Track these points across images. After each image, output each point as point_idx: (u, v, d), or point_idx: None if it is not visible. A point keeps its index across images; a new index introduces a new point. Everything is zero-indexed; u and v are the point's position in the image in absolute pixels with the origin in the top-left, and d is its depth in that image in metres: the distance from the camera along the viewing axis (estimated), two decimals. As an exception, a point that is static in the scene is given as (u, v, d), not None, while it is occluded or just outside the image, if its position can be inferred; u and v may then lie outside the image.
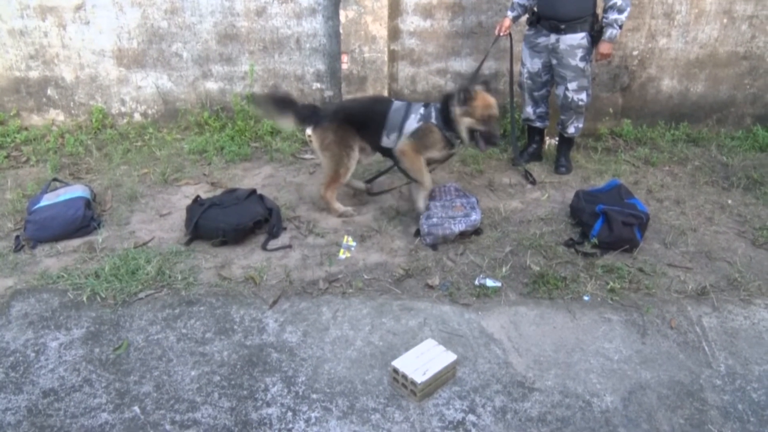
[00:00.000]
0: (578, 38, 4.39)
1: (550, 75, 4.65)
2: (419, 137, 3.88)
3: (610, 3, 4.26)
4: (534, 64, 4.61)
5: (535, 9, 4.48)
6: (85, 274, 3.47)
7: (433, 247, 3.74)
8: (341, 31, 5.12)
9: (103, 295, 3.30)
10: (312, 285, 3.43)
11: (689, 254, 3.82)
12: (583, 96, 4.57)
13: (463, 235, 3.78)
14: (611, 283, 3.44)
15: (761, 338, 3.16)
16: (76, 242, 3.84)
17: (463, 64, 5.37)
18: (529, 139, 5.08)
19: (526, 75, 4.70)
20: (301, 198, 4.37)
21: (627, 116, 5.49)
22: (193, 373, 2.83)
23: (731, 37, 5.35)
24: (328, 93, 5.51)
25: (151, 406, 2.65)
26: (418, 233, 3.84)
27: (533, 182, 4.63)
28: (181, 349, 2.97)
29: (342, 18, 5.08)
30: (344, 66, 5.22)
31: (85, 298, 3.29)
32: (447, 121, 3.86)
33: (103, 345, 2.99)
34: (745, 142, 5.42)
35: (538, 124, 4.92)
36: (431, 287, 3.39)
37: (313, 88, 5.52)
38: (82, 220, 3.88)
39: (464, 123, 3.82)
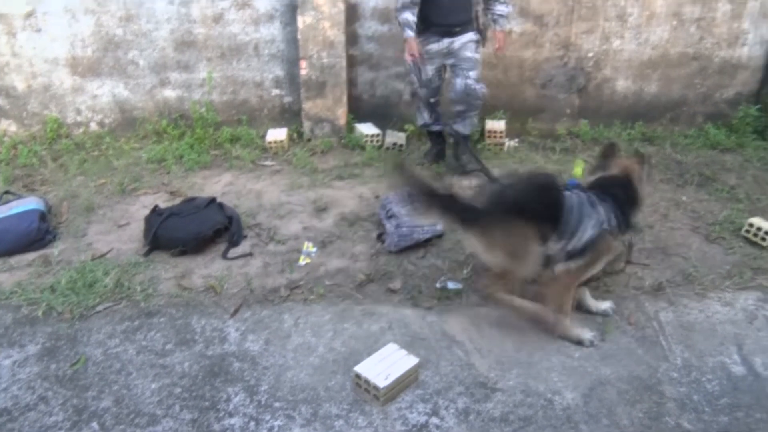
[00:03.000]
0: (471, 35, 4.55)
1: (441, 79, 4.75)
2: (588, 254, 2.93)
3: None
4: (427, 71, 4.63)
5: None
6: (41, 289, 3.40)
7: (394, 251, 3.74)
8: (299, 36, 5.12)
9: (60, 310, 3.24)
10: (273, 292, 3.42)
11: (646, 251, 3.90)
12: (482, 86, 4.64)
13: (425, 240, 3.80)
14: (571, 282, 3.49)
15: (715, 331, 3.24)
16: (30, 256, 3.76)
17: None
18: (432, 143, 5.09)
19: (427, 78, 4.68)
20: (262, 205, 4.34)
21: (584, 116, 5.58)
22: (153, 385, 2.79)
23: (681, 38, 5.48)
24: (288, 99, 5.49)
25: (110, 422, 2.60)
26: (379, 237, 3.85)
27: (491, 178, 4.72)
28: (141, 361, 2.93)
29: (300, 23, 5.07)
30: (303, 72, 5.21)
31: (40, 313, 3.22)
32: (627, 213, 3.01)
33: (60, 361, 2.93)
34: (697, 140, 5.54)
35: (436, 128, 4.96)
36: (393, 291, 3.40)
37: (272, 94, 5.49)
38: (37, 233, 3.80)
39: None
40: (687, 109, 5.67)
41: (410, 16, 4.39)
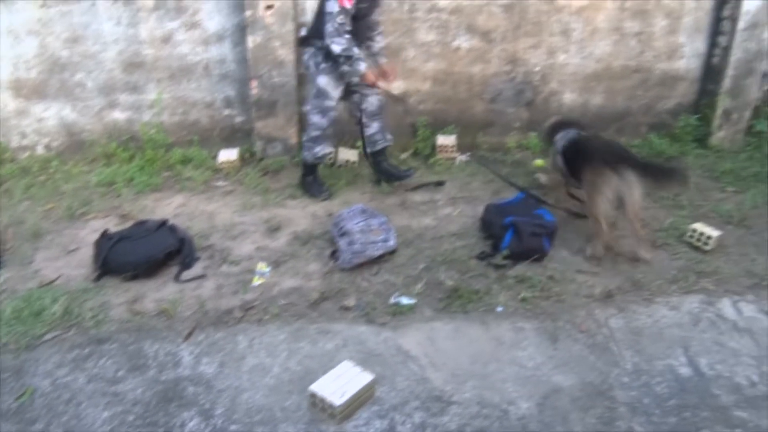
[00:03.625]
0: None
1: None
2: None
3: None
4: (338, 92, 4.56)
5: None
6: (-16, 320, 3.32)
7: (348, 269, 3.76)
8: (249, 56, 5.12)
9: (4, 341, 3.16)
10: (227, 314, 3.40)
11: (595, 259, 3.99)
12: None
13: (378, 256, 3.83)
14: (523, 293, 3.56)
15: (662, 334, 3.34)
16: (-27, 286, 3.67)
17: (372, 86, 5.45)
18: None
19: (333, 105, 4.59)
20: (214, 226, 4.31)
21: (533, 129, 5.68)
22: (105, 414, 2.74)
23: (623, 52, 5.65)
24: (239, 119, 5.48)
25: (60, 453, 2.55)
26: (333, 255, 3.86)
27: (441, 183, 4.90)
28: (91, 390, 2.87)
29: (250, 43, 5.07)
30: (254, 91, 5.21)
31: (-17, 345, 3.14)
32: None
33: (4, 394, 2.85)
34: (642, 149, 5.70)
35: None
36: (347, 309, 3.42)
37: (224, 114, 5.47)
38: (-20, 262, 3.72)
39: None
40: (631, 119, 5.84)
41: (355, 46, 4.27)
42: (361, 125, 4.75)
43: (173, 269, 3.80)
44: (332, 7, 4.15)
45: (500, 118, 5.64)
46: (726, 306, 3.61)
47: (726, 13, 5.64)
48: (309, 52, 4.49)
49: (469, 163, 5.37)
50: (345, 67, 4.30)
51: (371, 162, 4.95)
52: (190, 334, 3.22)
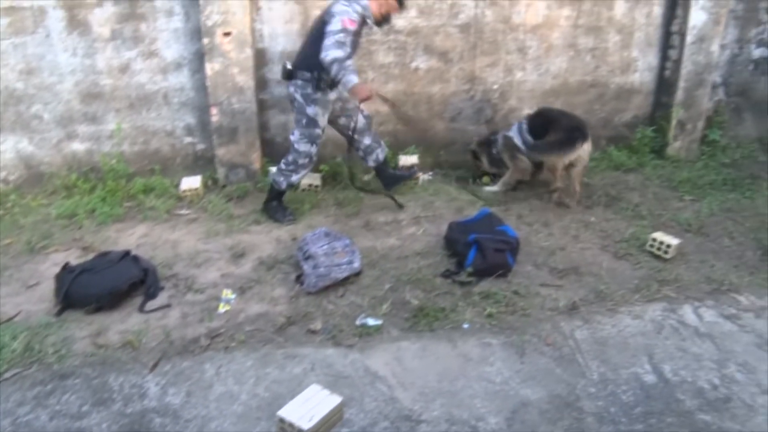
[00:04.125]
0: None
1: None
2: None
3: None
4: (325, 121, 4.62)
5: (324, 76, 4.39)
6: (-60, 360, 3.23)
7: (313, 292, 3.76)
8: (208, 83, 5.12)
9: (-38, 381, 3.09)
10: (193, 343, 3.36)
11: (559, 272, 4.06)
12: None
13: (344, 278, 3.83)
14: (489, 309, 3.59)
15: (627, 343, 3.40)
16: (-71, 326, 3.57)
17: (333, 109, 5.49)
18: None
19: (321, 133, 4.64)
20: (178, 255, 4.27)
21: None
22: (68, 451, 2.69)
23: (578, 67, 5.79)
24: (201, 146, 5.46)
25: (22, 493, 2.49)
26: (298, 279, 3.85)
27: (401, 206, 4.91)
28: (54, 427, 2.81)
29: (208, 71, 5.08)
30: (214, 118, 5.20)
31: (-59, 387, 3.06)
32: None
33: (-35, 435, 2.79)
34: (601, 162, 5.83)
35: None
36: (314, 332, 3.40)
37: (185, 142, 5.45)
38: (-63, 301, 3.63)
39: None
40: (590, 133, 5.93)
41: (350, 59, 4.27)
42: (351, 144, 4.85)
43: (137, 300, 3.74)
44: (335, 25, 4.16)
45: (461, 136, 5.72)
46: (687, 312, 3.68)
47: (675, 28, 5.84)
48: (295, 84, 4.46)
49: (432, 181, 5.42)
50: (338, 76, 4.19)
51: (378, 175, 5.12)
52: (155, 365, 3.17)
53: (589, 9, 5.66)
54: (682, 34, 5.78)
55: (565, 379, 3.12)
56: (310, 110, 4.47)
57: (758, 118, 6.49)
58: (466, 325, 3.47)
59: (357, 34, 4.41)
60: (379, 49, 5.38)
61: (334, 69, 4.15)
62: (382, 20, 4.53)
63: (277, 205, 4.82)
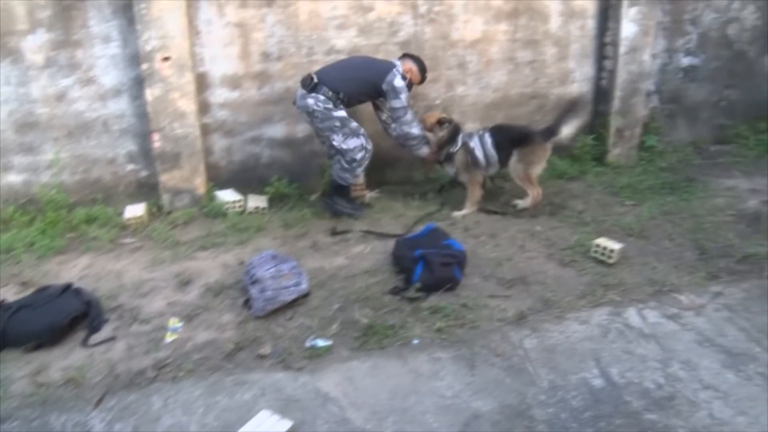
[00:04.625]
0: None
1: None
2: None
3: None
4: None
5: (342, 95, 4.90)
6: None
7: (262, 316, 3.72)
8: (149, 109, 5.06)
9: None
10: (140, 375, 3.28)
11: (507, 283, 4.10)
12: None
13: (292, 301, 3.80)
14: (438, 323, 3.60)
15: (575, 349, 3.44)
16: None
17: (277, 130, 5.47)
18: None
19: (356, 124, 5.01)
20: (123, 285, 4.17)
21: (438, 161, 5.81)
22: (9, 496, 2.59)
23: (518, 80, 5.91)
24: (144, 173, 5.37)
25: None
26: (246, 304, 3.81)
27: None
28: (-7, 472, 2.71)
29: (148, 96, 5.02)
30: (156, 144, 5.13)
31: None
32: None
33: None
34: (545, 171, 5.91)
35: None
36: (263, 357, 3.36)
37: (127, 170, 5.35)
38: None
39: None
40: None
41: None
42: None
43: (81, 334, 3.64)
44: (405, 101, 4.99)
45: (406, 152, 5.75)
46: (632, 315, 3.76)
47: (608, 39, 6.02)
48: (316, 97, 4.82)
49: (379, 199, 5.44)
50: (414, 149, 5.23)
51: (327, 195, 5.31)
52: (100, 401, 3.09)
53: (525, 23, 5.80)
54: (615, 45, 5.96)
55: (516, 388, 3.14)
56: (340, 113, 4.87)
57: (691, 123, 6.73)
58: (416, 341, 3.47)
59: None
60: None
61: (415, 142, 5.19)
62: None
63: (343, 200, 5.16)
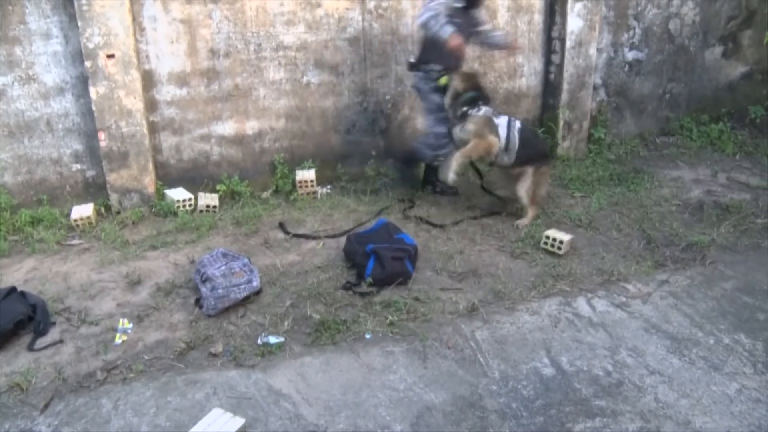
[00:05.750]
0: None
1: None
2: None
3: None
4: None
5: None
6: None
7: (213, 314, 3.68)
8: (94, 108, 4.94)
9: None
10: (89, 378, 3.21)
11: (458, 275, 4.14)
12: None
13: (244, 298, 3.77)
14: (390, 317, 3.62)
15: (526, 339, 3.50)
16: None
17: (227, 128, 5.41)
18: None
19: (446, 115, 5.07)
20: (70, 287, 4.08)
21: (391, 156, 5.84)
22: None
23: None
24: (90, 173, 5.24)
25: None
26: (197, 303, 3.76)
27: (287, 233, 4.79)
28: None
29: (93, 95, 4.90)
30: (102, 143, 5.02)
31: None
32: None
33: None
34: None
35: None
36: (215, 355, 3.33)
37: (73, 169, 5.21)
38: None
39: None
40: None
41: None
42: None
43: (26, 338, 3.55)
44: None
45: (357, 148, 5.77)
46: (582, 304, 3.84)
47: (555, 33, 6.12)
48: (418, 75, 5.10)
49: (330, 195, 5.42)
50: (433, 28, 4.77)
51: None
52: (46, 406, 3.01)
53: (473, 18, 5.84)
54: (562, 40, 6.06)
55: (468, 379, 3.18)
56: (435, 97, 5.03)
57: (637, 116, 6.90)
58: (368, 336, 3.48)
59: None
60: (269, 65, 5.36)
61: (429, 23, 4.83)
62: None
63: (409, 169, 5.47)
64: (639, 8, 6.49)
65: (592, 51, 6.17)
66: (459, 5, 4.89)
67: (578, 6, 5.96)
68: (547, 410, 2.98)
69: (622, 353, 3.40)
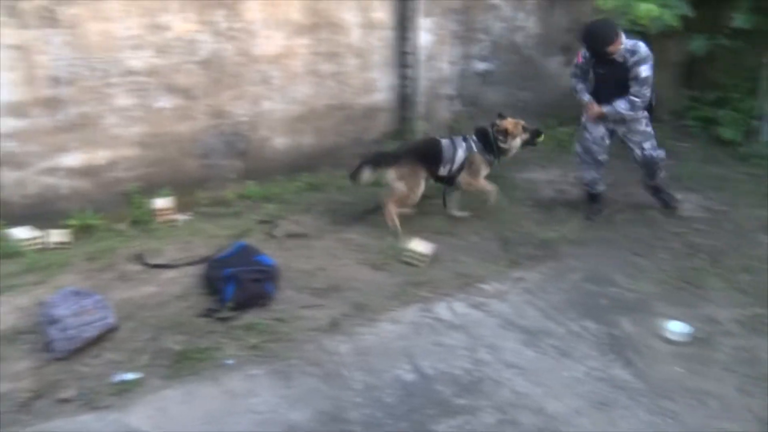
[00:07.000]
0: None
1: (610, 140, 5.26)
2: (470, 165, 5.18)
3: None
4: (598, 131, 5.17)
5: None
6: None
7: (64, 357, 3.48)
8: None
9: None
10: None
11: (320, 292, 4.16)
12: (660, 152, 5.22)
13: (98, 337, 3.60)
14: (252, 340, 3.60)
15: (388, 348, 3.58)
16: None
17: (75, 159, 5.14)
18: (593, 200, 5.52)
19: (590, 140, 5.21)
20: None
21: (251, 178, 5.76)
22: None
23: (324, 92, 6.03)
24: None
25: None
26: (47, 346, 3.54)
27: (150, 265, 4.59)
28: None
29: None
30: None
31: None
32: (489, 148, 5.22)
33: None
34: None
35: (600, 188, 5.43)
36: (66, 401, 3.14)
37: None
38: None
39: (517, 143, 5.25)
40: (343, 153, 6.15)
41: (579, 84, 5.15)
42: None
43: None
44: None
45: (215, 172, 5.66)
46: (442, 309, 3.98)
47: (407, 48, 6.31)
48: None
49: (191, 222, 5.26)
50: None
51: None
52: None
53: (326, 37, 5.91)
54: (415, 54, 6.26)
55: (331, 394, 3.21)
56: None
57: (491, 124, 7.21)
58: (230, 361, 3.43)
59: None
60: (118, 92, 5.14)
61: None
62: None
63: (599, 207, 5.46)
64: (486, 23, 6.80)
65: (444, 64, 6.42)
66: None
67: (428, 22, 6.19)
68: (410, 415, 3.06)
69: (481, 351, 3.54)
